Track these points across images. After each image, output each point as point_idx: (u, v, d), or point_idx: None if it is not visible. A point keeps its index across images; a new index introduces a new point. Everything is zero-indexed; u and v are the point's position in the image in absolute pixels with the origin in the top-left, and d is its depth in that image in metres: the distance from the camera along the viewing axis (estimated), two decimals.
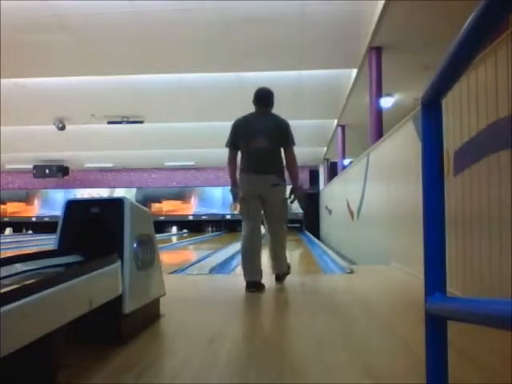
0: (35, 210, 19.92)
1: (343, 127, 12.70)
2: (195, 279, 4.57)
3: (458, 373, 1.63)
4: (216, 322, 2.67)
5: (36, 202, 20.03)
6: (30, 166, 18.57)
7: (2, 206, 19.59)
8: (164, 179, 19.91)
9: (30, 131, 13.33)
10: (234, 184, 3.94)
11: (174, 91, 10.13)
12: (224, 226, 18.49)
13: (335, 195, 11.65)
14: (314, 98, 10.70)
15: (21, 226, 19.63)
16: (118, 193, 18.87)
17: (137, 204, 2.61)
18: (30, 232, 19.26)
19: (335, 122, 12.67)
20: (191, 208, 19.29)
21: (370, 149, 6.84)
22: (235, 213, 19.28)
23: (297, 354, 2.06)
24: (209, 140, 13.45)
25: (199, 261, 7.32)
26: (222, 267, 6.15)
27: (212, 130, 12.57)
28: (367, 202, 7.01)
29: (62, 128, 12.28)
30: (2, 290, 1.35)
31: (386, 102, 9.27)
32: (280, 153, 3.92)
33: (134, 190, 19.33)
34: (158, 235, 2.98)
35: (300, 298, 3.53)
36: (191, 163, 18.85)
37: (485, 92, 2.84)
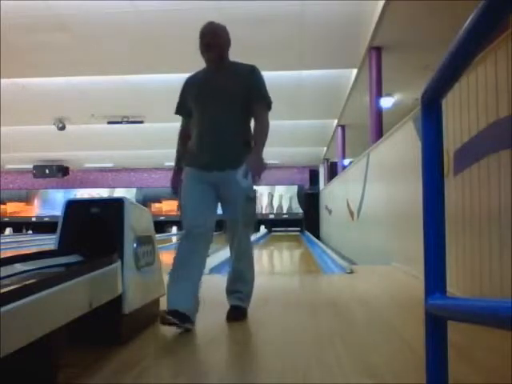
0: (35, 210, 19.92)
1: (343, 127, 12.70)
2: None
3: (458, 373, 1.63)
4: (216, 321, 2.67)
5: (36, 201, 20.03)
6: (30, 166, 18.57)
7: (2, 206, 19.59)
8: (164, 179, 19.90)
9: (30, 131, 13.33)
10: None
11: (173, 91, 10.09)
12: (224, 226, 18.43)
13: (335, 195, 11.65)
14: (314, 98, 10.71)
15: (21, 226, 19.63)
16: (118, 193, 18.88)
17: (137, 204, 2.61)
18: (30, 232, 19.26)
19: (335, 122, 12.67)
20: None
21: (370, 149, 6.84)
22: None
23: (297, 354, 2.06)
24: None
25: None
26: (222, 267, 6.14)
27: None
28: (367, 201, 7.01)
29: (62, 128, 12.28)
30: (2, 290, 1.35)
31: (386, 102, 9.28)
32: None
33: (134, 190, 19.33)
34: (157, 235, 2.98)
35: (300, 298, 3.52)
36: None
37: (485, 92, 2.84)
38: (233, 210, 2.64)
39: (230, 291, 2.75)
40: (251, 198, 2.67)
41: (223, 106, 2.59)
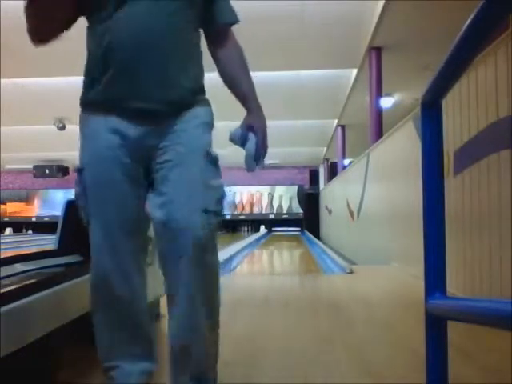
0: (35, 210, 19.92)
1: (343, 127, 12.71)
2: None
3: (458, 373, 1.63)
4: None
5: (36, 201, 20.03)
6: (30, 166, 18.57)
7: (2, 206, 19.59)
8: None
9: (30, 131, 13.33)
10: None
11: None
12: (224, 226, 18.49)
13: (335, 195, 11.65)
14: (314, 98, 10.70)
15: (21, 225, 19.63)
16: None
17: None
18: (30, 232, 19.26)
19: (335, 121, 12.67)
20: None
21: (370, 149, 6.85)
22: (236, 212, 19.37)
23: (297, 354, 2.06)
24: None
25: None
26: (222, 267, 6.15)
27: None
28: (367, 201, 7.01)
29: (62, 128, 12.28)
30: (2, 290, 1.35)
31: (386, 102, 9.28)
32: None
33: None
34: None
35: (300, 298, 3.52)
36: None
37: (485, 92, 2.84)
38: (180, 197, 1.33)
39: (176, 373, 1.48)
40: (214, 160, 1.43)
41: (168, 4, 1.39)
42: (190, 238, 1.30)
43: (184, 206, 1.32)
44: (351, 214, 8.39)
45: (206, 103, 1.52)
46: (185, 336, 1.41)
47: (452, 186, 3.25)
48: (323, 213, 15.63)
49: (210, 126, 1.50)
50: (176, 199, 1.33)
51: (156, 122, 1.40)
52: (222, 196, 1.40)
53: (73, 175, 20.23)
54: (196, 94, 1.48)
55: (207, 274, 1.37)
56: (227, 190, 1.42)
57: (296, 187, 19.14)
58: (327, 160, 17.49)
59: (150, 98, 1.38)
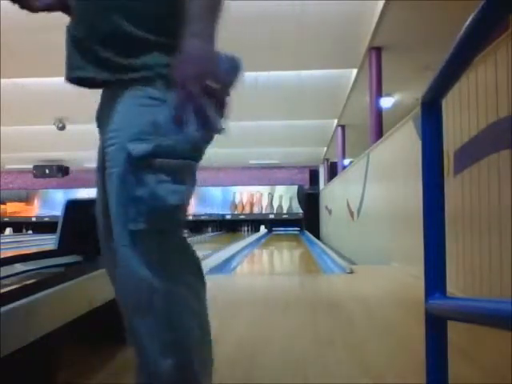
0: (35, 210, 19.93)
1: (343, 127, 12.71)
2: None
3: (458, 373, 1.63)
4: (216, 322, 2.67)
5: (36, 201, 20.03)
6: (30, 166, 18.58)
7: (2, 206, 19.60)
8: None
9: (30, 131, 13.33)
10: None
11: None
12: (224, 226, 18.52)
13: (335, 195, 11.65)
14: (314, 98, 10.71)
15: (21, 225, 19.64)
16: None
17: None
18: (30, 232, 19.26)
19: (335, 121, 12.67)
20: (191, 208, 19.29)
21: (370, 149, 6.85)
22: (236, 212, 19.36)
23: (297, 354, 2.06)
24: None
25: None
26: (222, 267, 6.15)
27: None
28: (367, 201, 7.01)
29: (62, 128, 12.28)
30: (2, 290, 1.35)
31: (386, 102, 9.28)
32: None
33: None
34: None
35: (300, 298, 3.52)
36: None
37: (485, 92, 2.84)
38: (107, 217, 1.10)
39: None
40: (137, 161, 1.02)
41: None
42: (116, 267, 1.08)
43: (113, 226, 1.06)
44: (351, 213, 8.39)
45: (164, 59, 1.04)
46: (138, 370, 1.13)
47: (452, 185, 3.25)
48: (323, 213, 15.63)
49: (147, 102, 1.04)
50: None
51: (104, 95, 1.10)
52: (156, 207, 1.02)
53: (72, 175, 20.25)
54: (144, 46, 1.03)
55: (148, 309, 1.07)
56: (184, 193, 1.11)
57: (296, 187, 19.14)
58: (327, 160, 17.49)
59: (76, 60, 1.10)
